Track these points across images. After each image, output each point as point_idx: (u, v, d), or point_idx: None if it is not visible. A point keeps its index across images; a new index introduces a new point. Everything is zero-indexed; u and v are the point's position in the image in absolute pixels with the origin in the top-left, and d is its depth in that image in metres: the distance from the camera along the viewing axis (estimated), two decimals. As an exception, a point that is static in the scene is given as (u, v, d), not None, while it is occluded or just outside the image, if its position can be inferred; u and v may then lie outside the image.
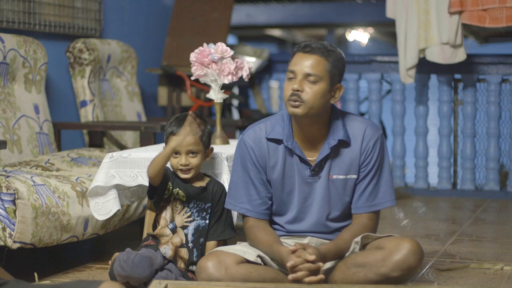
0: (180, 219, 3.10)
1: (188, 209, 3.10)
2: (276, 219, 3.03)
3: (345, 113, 3.00)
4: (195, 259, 3.07)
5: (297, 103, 2.83)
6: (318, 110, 2.86)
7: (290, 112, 2.86)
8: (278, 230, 3.01)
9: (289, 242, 2.98)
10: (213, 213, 3.12)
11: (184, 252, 3.08)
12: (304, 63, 2.85)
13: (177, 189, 3.10)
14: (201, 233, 3.11)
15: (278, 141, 2.95)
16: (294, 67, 2.86)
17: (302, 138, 2.94)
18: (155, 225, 3.15)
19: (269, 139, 2.95)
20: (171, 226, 3.09)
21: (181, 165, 3.07)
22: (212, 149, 3.18)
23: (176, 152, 3.07)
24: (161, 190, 3.09)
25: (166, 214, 3.11)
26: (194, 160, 3.08)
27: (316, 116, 2.88)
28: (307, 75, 2.84)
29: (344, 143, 2.94)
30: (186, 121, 3.02)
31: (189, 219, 3.10)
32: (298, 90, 2.83)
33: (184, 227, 3.09)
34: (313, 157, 2.94)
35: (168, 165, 3.13)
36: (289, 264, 2.70)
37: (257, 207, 2.96)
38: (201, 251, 3.09)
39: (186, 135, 3.00)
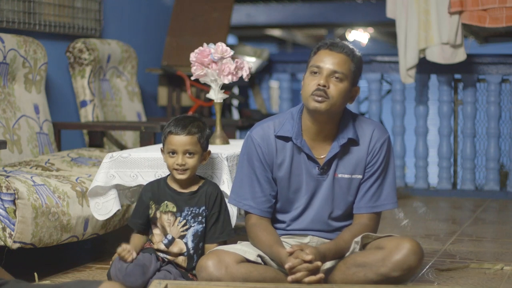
0: (175, 230, 3.06)
1: (182, 218, 3.06)
2: (280, 216, 3.02)
3: (354, 114, 3.01)
4: (194, 264, 3.05)
5: (321, 98, 2.83)
6: (338, 108, 2.88)
7: (312, 107, 2.85)
8: (279, 230, 3.01)
9: (290, 241, 2.98)
10: (210, 215, 3.09)
11: (181, 260, 3.06)
12: (331, 60, 2.86)
13: (165, 202, 3.07)
14: (200, 237, 3.08)
15: (287, 139, 2.95)
16: (321, 63, 2.86)
17: (311, 137, 2.94)
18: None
19: (277, 137, 2.95)
20: (165, 241, 3.06)
21: (177, 164, 3.03)
22: (210, 152, 3.16)
23: (173, 152, 3.04)
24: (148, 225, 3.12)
25: (158, 230, 3.09)
26: (190, 161, 3.04)
27: (333, 114, 2.89)
28: (334, 72, 2.85)
29: (353, 142, 2.94)
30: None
31: (185, 227, 3.06)
32: (324, 86, 2.83)
33: (182, 237, 3.07)
34: (321, 156, 2.95)
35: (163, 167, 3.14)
36: (287, 266, 2.71)
37: (260, 204, 2.96)
38: (201, 255, 3.07)
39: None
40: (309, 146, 2.94)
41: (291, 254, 2.73)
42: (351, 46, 2.90)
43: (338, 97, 2.85)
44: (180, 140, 3.02)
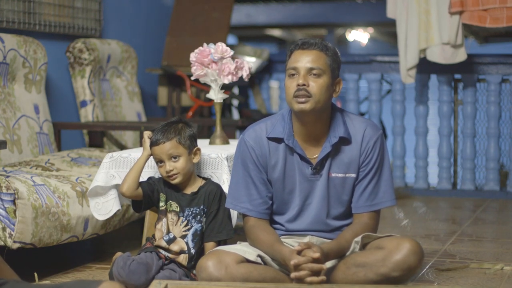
0: (178, 230, 3.09)
1: (184, 218, 3.10)
2: (276, 218, 3.03)
3: (344, 112, 3.00)
4: (193, 263, 3.07)
5: (304, 98, 2.83)
6: (323, 104, 2.87)
7: (297, 109, 2.86)
8: (278, 230, 3.01)
9: (289, 242, 2.98)
10: (209, 213, 3.11)
11: (182, 258, 3.08)
12: (306, 59, 2.87)
13: (170, 201, 3.11)
14: (199, 236, 3.11)
15: (279, 140, 2.95)
16: (296, 64, 2.87)
17: (303, 137, 2.94)
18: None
19: (269, 138, 2.96)
20: (166, 238, 3.08)
21: (166, 172, 3.07)
22: (199, 148, 3.17)
23: (160, 161, 3.09)
24: (147, 202, 3.13)
25: (162, 226, 3.11)
26: (178, 164, 3.07)
27: (320, 112, 2.88)
28: (310, 70, 2.85)
29: (345, 141, 2.94)
30: None
31: (187, 227, 3.09)
32: (304, 85, 2.84)
33: (183, 236, 3.09)
34: (313, 156, 2.95)
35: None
36: (292, 263, 2.70)
37: (257, 206, 2.96)
38: (201, 255, 3.08)
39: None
40: (302, 146, 2.94)
41: (299, 252, 2.72)
42: (322, 41, 2.92)
43: (320, 93, 2.85)
44: (161, 148, 3.08)
